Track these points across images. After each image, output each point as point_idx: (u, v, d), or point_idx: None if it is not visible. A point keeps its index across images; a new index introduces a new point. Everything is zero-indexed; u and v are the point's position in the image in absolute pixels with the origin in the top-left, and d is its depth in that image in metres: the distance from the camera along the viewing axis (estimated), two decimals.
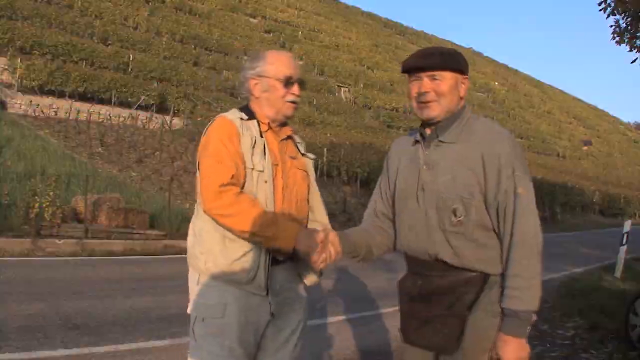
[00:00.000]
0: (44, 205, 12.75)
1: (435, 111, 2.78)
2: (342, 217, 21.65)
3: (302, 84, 3.08)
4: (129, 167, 21.25)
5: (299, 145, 3.26)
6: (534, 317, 2.62)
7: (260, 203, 2.83)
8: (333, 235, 2.83)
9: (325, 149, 27.68)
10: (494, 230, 2.70)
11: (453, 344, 2.71)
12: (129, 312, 7.55)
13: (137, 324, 7.04)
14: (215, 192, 2.73)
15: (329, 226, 3.12)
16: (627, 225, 14.32)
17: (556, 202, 37.14)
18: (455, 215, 2.68)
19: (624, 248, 13.93)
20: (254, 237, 2.75)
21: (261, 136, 2.96)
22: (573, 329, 8.17)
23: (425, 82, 2.79)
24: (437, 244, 2.73)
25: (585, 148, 75.70)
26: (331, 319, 7.99)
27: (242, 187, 2.84)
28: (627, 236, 14.01)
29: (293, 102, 3.05)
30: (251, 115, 3.01)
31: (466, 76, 2.84)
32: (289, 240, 2.77)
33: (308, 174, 3.21)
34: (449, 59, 2.80)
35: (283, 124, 3.13)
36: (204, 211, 2.82)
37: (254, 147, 2.90)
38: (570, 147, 72.13)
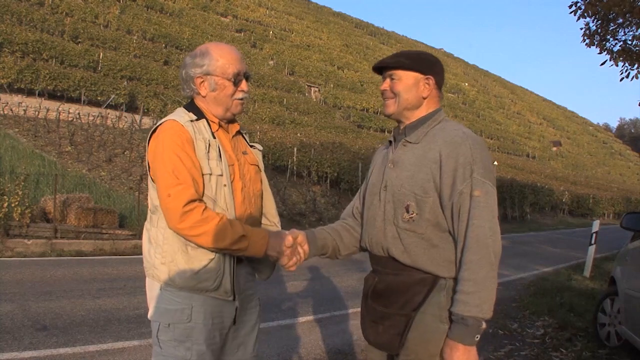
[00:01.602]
0: (12, 205, 12.62)
1: (390, 108, 2.89)
2: (312, 217, 21.67)
3: (248, 78, 2.97)
4: (99, 167, 21.05)
5: (246, 137, 3.20)
6: (484, 325, 2.52)
7: (222, 210, 2.78)
8: (302, 237, 2.92)
9: (295, 149, 27.63)
10: (450, 232, 2.68)
11: (396, 344, 2.72)
12: (98, 313, 7.51)
13: (106, 325, 7.01)
14: (181, 214, 2.63)
15: (277, 218, 3.21)
16: (596, 225, 14.52)
17: (526, 202, 37.39)
18: (407, 212, 2.70)
19: (592, 248, 14.12)
20: (226, 251, 2.73)
21: (213, 137, 2.85)
22: (543, 328, 8.25)
23: (386, 81, 2.89)
24: (389, 239, 2.76)
25: (554, 149, 76.44)
26: (301, 319, 8.00)
27: (202, 196, 2.76)
28: (596, 236, 14.21)
29: (241, 99, 2.96)
30: (200, 115, 2.88)
31: (428, 76, 2.83)
32: (260, 249, 2.79)
33: (259, 167, 3.15)
34: (405, 59, 2.84)
35: (231, 121, 3.05)
36: (172, 230, 2.72)
37: (209, 151, 2.79)
38: (540, 148, 72.79)
